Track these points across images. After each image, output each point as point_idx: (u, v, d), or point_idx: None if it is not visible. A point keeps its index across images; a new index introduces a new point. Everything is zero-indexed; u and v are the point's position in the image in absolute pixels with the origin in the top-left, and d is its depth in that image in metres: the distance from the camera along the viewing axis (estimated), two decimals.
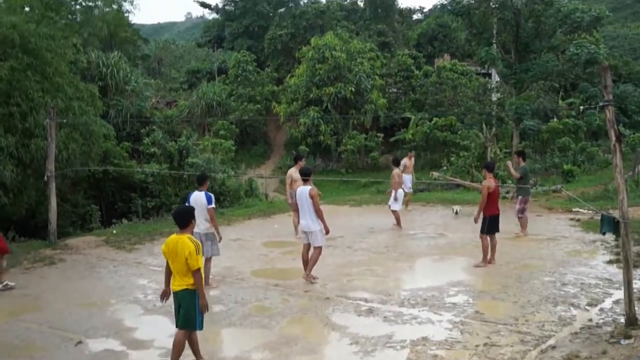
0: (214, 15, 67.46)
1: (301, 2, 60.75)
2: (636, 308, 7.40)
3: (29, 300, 9.71)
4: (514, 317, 8.07)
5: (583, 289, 9.34)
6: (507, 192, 16.48)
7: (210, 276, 10.04)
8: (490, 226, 11.10)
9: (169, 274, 6.72)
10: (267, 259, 12.28)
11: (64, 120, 15.57)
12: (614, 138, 7.33)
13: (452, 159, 27.37)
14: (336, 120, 38.22)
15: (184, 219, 6.64)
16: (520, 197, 13.76)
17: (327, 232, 10.18)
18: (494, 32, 27.62)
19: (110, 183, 20.08)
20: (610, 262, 11.00)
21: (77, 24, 36.76)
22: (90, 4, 40.61)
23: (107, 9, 43.05)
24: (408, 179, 17.87)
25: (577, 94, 41.26)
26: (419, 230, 15.03)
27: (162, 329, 8.10)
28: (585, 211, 16.23)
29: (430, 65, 46.30)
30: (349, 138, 37.91)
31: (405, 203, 17.19)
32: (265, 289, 9.86)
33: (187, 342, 6.72)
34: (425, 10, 75.47)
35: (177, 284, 6.56)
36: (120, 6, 45.69)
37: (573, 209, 16.99)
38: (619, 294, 8.30)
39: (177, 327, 6.74)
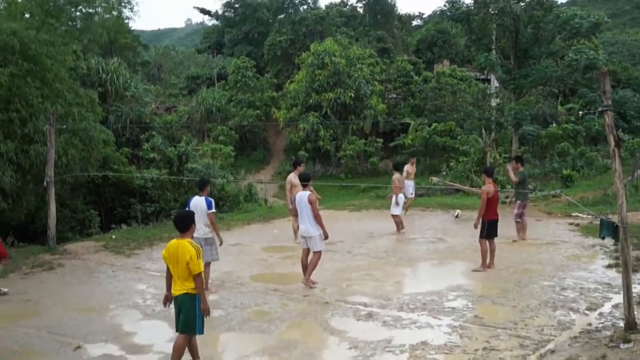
0: (214, 22, 67.67)
1: (301, 9, 60.97)
2: (635, 312, 7.40)
3: (28, 305, 9.70)
4: (513, 322, 8.07)
5: (582, 294, 9.34)
6: (506, 197, 16.49)
7: (210, 281, 10.04)
8: (489, 231, 11.11)
9: (170, 278, 6.72)
10: (266, 263, 12.28)
11: (64, 126, 15.58)
12: (613, 143, 7.34)
13: (452, 164, 27.36)
14: (335, 126, 38.27)
15: (184, 224, 6.65)
16: (518, 201, 13.77)
17: (326, 237, 10.19)
18: (493, 38, 27.76)
19: (109, 188, 20.07)
20: (609, 266, 11.00)
21: (77, 30, 36.86)
22: (90, 10, 40.65)
23: (107, 16, 43.10)
24: (411, 184, 17.87)
25: (576, 99, 41.34)
26: (418, 235, 15.04)
27: (160, 333, 8.10)
28: (585, 216, 16.24)
29: (429, 71, 46.39)
30: (349, 143, 37.95)
31: (405, 208, 17.20)
32: (265, 294, 9.85)
33: (186, 346, 6.71)
34: (424, 16, 75.72)
35: (178, 289, 6.56)
36: (120, 13, 45.73)
37: (572, 214, 17.01)
38: (618, 298, 8.28)
39: (177, 331, 6.73)
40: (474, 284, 10.35)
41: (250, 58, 48.08)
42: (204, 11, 67.51)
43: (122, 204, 20.40)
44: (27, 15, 28.48)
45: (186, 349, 6.74)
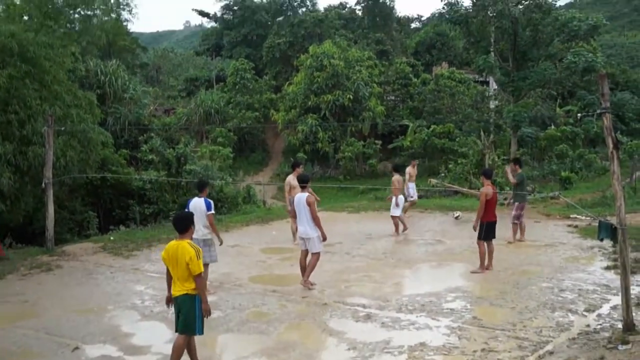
0: (213, 24, 67.71)
1: (300, 11, 61.06)
2: (634, 314, 7.41)
3: (26, 306, 9.68)
4: (512, 323, 8.07)
5: (581, 295, 9.34)
6: (505, 199, 16.52)
7: (208, 282, 10.00)
8: (487, 232, 11.11)
9: (170, 279, 6.72)
10: (265, 265, 12.27)
11: (62, 128, 15.58)
12: (611, 145, 7.35)
13: (450, 166, 27.42)
14: (334, 128, 38.33)
15: (183, 225, 6.66)
16: (516, 203, 13.77)
17: (325, 239, 10.18)
18: (492, 40, 27.82)
19: (108, 190, 20.07)
20: (607, 268, 11.01)
21: (75, 32, 36.90)
22: (89, 12, 40.72)
23: (106, 18, 43.17)
24: (412, 187, 17.89)
25: (575, 101, 41.48)
26: (417, 237, 15.03)
27: (159, 334, 8.09)
28: (583, 218, 16.25)
29: (428, 73, 46.49)
30: (347, 145, 37.99)
31: (405, 210, 17.22)
32: (263, 295, 9.84)
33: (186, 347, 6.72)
34: (423, 19, 75.99)
35: (178, 289, 6.56)
36: (118, 15, 45.85)
37: (571, 216, 17.01)
38: (617, 300, 8.29)
39: (176, 331, 6.74)
40: (473, 285, 10.35)
41: (249, 60, 48.15)
42: (202, 13, 67.62)
43: (120, 205, 20.40)
44: (25, 18, 28.52)
45: (184, 350, 6.73)
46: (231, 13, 61.14)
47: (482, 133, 28.82)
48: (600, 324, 7.91)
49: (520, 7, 26.08)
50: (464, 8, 27.32)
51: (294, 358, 7.18)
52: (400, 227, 15.33)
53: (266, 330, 8.13)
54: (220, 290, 10.17)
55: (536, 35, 26.13)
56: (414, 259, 12.65)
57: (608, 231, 8.28)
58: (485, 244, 11.14)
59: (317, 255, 10.11)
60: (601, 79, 7.62)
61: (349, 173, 38.03)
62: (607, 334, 7.38)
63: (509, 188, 16.81)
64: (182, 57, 65.10)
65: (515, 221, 13.72)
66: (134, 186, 20.55)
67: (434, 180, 24.24)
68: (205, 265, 9.84)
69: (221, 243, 10.34)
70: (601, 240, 9.03)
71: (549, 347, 7.14)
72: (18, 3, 28.44)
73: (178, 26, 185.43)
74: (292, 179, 13.44)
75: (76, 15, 39.74)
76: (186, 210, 9.59)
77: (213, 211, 10.04)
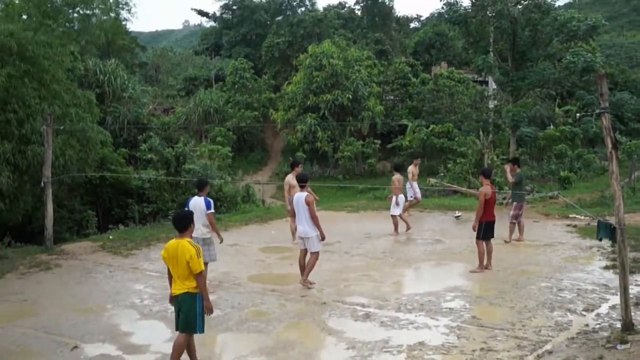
0: (212, 24, 67.67)
1: (299, 11, 61.05)
2: (632, 313, 7.42)
3: (25, 305, 9.67)
4: (511, 322, 8.08)
5: (580, 295, 9.35)
6: (504, 199, 16.53)
7: (207, 281, 9.99)
8: (485, 232, 11.11)
9: (171, 278, 6.73)
10: (264, 264, 12.28)
11: (61, 127, 15.56)
12: (610, 145, 7.36)
13: (449, 165, 27.44)
14: (333, 127, 38.32)
15: (183, 223, 6.66)
16: (515, 203, 13.77)
17: (323, 238, 10.18)
18: (491, 40, 27.81)
19: (107, 189, 20.06)
20: (606, 267, 11.02)
21: (74, 31, 36.83)
22: (88, 12, 40.64)
23: (105, 17, 43.10)
24: (416, 185, 17.91)
25: (574, 101, 41.51)
26: (416, 236, 15.04)
27: (158, 333, 8.10)
28: (582, 217, 16.26)
29: (427, 73, 46.49)
30: (346, 145, 37.99)
31: (405, 209, 17.30)
32: (262, 294, 9.85)
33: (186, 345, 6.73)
34: (422, 19, 76.07)
35: (178, 288, 6.57)
36: (117, 14, 45.74)
37: (570, 215, 17.03)
38: (615, 300, 8.30)
39: (177, 330, 6.75)
40: (472, 285, 10.36)
41: (248, 60, 48.15)
42: (201, 13, 67.60)
43: (119, 204, 20.39)
44: (24, 17, 28.50)
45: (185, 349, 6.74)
46: (230, 12, 61.11)
47: (481, 133, 28.83)
48: (599, 324, 7.92)
49: (520, 7, 26.08)
50: (463, 8, 27.33)
51: (293, 357, 7.18)
52: (402, 226, 15.28)
53: (265, 329, 8.13)
54: (220, 289, 10.16)
55: (535, 35, 26.12)
56: (413, 258, 12.66)
57: (607, 231, 8.29)
58: (484, 243, 11.15)
59: (316, 254, 10.11)
60: (600, 79, 7.64)
61: (348, 172, 38.03)
62: (605, 334, 7.39)
63: (508, 188, 16.82)
64: (181, 57, 65.05)
65: (513, 221, 13.71)
66: (133, 185, 20.55)
67: (433, 180, 24.24)
68: (205, 264, 9.84)
69: (221, 241, 10.40)
70: (600, 240, 9.03)
71: (548, 347, 7.15)
72: (17, 2, 28.42)
73: (177, 25, 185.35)
74: (291, 179, 13.43)
75: (75, 15, 39.67)
76: (186, 208, 9.61)
77: (213, 210, 10.06)
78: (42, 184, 14.01)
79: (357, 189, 29.18)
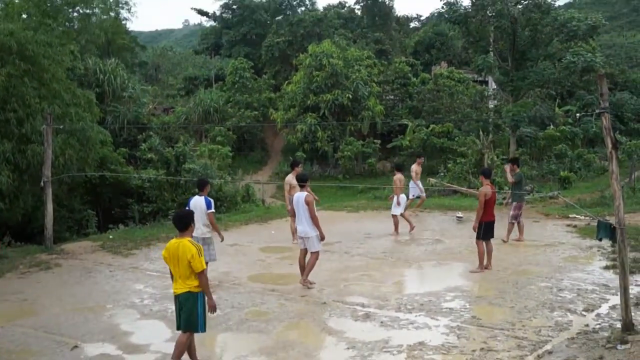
0: (212, 23, 67.67)
1: (298, 10, 61.07)
2: (632, 313, 7.42)
3: (25, 304, 9.67)
4: (511, 322, 8.07)
5: (580, 295, 9.35)
6: (504, 199, 16.52)
7: None
8: (485, 232, 11.11)
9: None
10: (264, 264, 12.27)
11: (61, 127, 15.55)
12: (610, 145, 7.36)
13: (449, 165, 27.42)
14: (333, 127, 38.32)
15: (184, 222, 6.67)
16: (514, 203, 13.75)
17: (323, 238, 10.18)
18: (491, 40, 27.80)
19: (107, 189, 20.05)
20: (606, 267, 11.02)
21: (74, 31, 36.80)
22: (88, 11, 40.65)
23: (105, 17, 43.12)
24: (420, 184, 17.91)
25: (574, 101, 41.51)
26: (416, 236, 15.02)
27: (158, 333, 8.10)
28: (582, 217, 16.25)
29: (427, 73, 46.49)
30: (346, 144, 37.98)
31: (417, 206, 17.45)
32: (262, 294, 9.84)
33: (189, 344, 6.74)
34: (422, 19, 76.02)
35: (179, 287, 6.58)
36: (117, 14, 45.80)
37: (570, 215, 17.02)
38: (616, 300, 8.30)
39: (178, 329, 6.76)
40: (472, 285, 10.36)
41: (248, 59, 48.14)
42: (201, 12, 67.58)
43: (119, 204, 20.39)
44: (24, 16, 28.41)
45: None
46: (230, 12, 61.14)
47: (481, 133, 28.83)
48: (599, 324, 7.92)
49: (519, 6, 26.08)
50: (463, 8, 27.30)
51: (293, 357, 7.18)
52: (405, 226, 15.19)
53: (265, 329, 8.13)
54: (219, 289, 10.15)
55: (535, 35, 26.11)
56: (413, 258, 12.65)
57: (607, 231, 8.28)
58: (484, 243, 11.14)
59: (316, 254, 10.11)
60: (600, 79, 7.64)
61: (348, 172, 38.03)
62: (606, 334, 7.39)
63: (508, 187, 16.81)
64: (181, 56, 65.07)
65: (513, 221, 13.69)
66: (133, 185, 20.55)
67: (432, 180, 24.23)
68: (205, 263, 9.87)
69: (222, 239, 10.46)
70: (600, 240, 9.03)
71: (548, 347, 7.15)
72: (17, 1, 28.36)
73: (177, 25, 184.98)
74: (291, 178, 13.42)
75: (75, 14, 39.68)
76: (187, 208, 9.63)
77: (213, 210, 10.10)
78: (42, 183, 14.01)
79: (357, 189, 29.18)
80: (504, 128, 31.38)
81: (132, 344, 7.78)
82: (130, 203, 20.16)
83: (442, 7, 28.68)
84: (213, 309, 6.63)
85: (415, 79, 44.28)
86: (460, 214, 17.30)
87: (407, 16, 71.62)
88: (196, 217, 7.97)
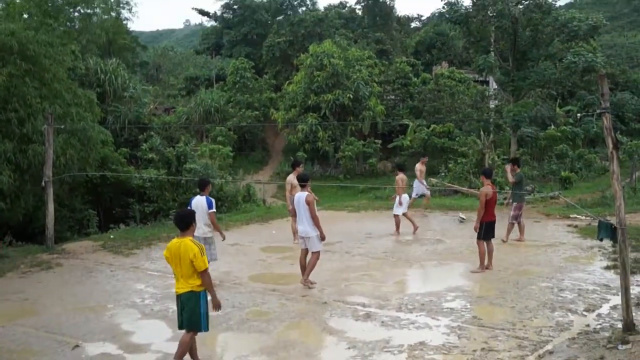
0: (213, 23, 67.68)
1: (299, 10, 61.06)
2: (633, 314, 7.42)
3: (26, 304, 9.68)
4: (512, 323, 8.07)
5: (580, 295, 9.35)
6: (504, 199, 16.53)
7: None
8: (486, 232, 11.11)
9: None
10: (265, 264, 12.28)
11: (62, 126, 15.58)
12: (611, 145, 7.36)
13: (450, 165, 27.43)
14: (334, 127, 38.31)
15: (185, 222, 6.68)
16: (515, 203, 13.75)
17: (323, 238, 10.18)
18: (492, 40, 27.82)
19: (108, 188, 20.08)
20: (607, 268, 11.02)
21: (75, 31, 36.83)
22: (89, 11, 40.71)
23: (106, 17, 43.16)
24: (424, 183, 17.92)
25: (575, 101, 41.47)
26: (417, 236, 15.02)
27: (159, 333, 8.10)
28: (583, 217, 16.26)
29: (428, 73, 46.47)
30: (347, 144, 37.98)
31: (424, 206, 17.56)
32: (263, 294, 9.85)
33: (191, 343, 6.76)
34: (423, 19, 75.95)
35: (181, 287, 6.59)
36: (118, 14, 45.86)
37: (571, 215, 17.02)
38: (617, 300, 8.30)
39: (179, 328, 6.78)
40: (473, 285, 10.36)
41: (248, 59, 48.13)
42: (202, 12, 67.55)
43: (120, 204, 20.41)
44: (25, 16, 28.43)
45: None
46: (231, 12, 61.14)
47: (482, 133, 28.82)
48: (600, 324, 7.92)
49: (520, 7, 26.09)
50: (464, 8, 27.31)
51: (293, 357, 7.19)
52: (408, 225, 15.17)
53: (266, 329, 8.13)
54: (220, 288, 10.13)
55: (536, 35, 26.12)
56: (414, 258, 12.66)
57: (608, 231, 8.28)
58: (485, 243, 11.15)
59: (317, 254, 10.12)
60: (601, 79, 7.63)
61: (348, 172, 38.03)
62: (607, 334, 7.39)
63: (509, 188, 16.81)
64: (182, 56, 65.10)
65: (513, 221, 13.69)
66: (133, 185, 20.57)
67: (434, 180, 24.24)
68: None
69: (224, 238, 10.53)
70: (601, 240, 9.02)
71: (548, 347, 7.15)
72: (18, 1, 28.38)
73: (178, 25, 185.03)
74: (292, 178, 13.42)
75: (76, 14, 39.74)
76: (188, 207, 9.66)
77: (214, 209, 10.15)
78: (43, 183, 14.02)
79: (358, 189, 29.18)
80: (504, 128, 31.38)
81: (133, 343, 7.79)
82: (131, 203, 20.18)
83: (443, 7, 28.71)
84: (218, 306, 6.66)
85: (416, 79, 44.26)
86: (462, 215, 17.28)
87: (408, 16, 71.65)
88: (197, 217, 7.98)
